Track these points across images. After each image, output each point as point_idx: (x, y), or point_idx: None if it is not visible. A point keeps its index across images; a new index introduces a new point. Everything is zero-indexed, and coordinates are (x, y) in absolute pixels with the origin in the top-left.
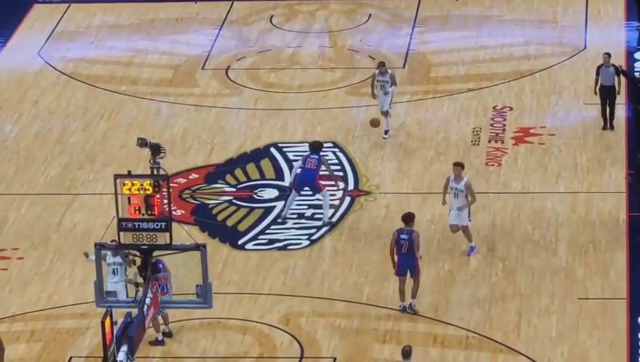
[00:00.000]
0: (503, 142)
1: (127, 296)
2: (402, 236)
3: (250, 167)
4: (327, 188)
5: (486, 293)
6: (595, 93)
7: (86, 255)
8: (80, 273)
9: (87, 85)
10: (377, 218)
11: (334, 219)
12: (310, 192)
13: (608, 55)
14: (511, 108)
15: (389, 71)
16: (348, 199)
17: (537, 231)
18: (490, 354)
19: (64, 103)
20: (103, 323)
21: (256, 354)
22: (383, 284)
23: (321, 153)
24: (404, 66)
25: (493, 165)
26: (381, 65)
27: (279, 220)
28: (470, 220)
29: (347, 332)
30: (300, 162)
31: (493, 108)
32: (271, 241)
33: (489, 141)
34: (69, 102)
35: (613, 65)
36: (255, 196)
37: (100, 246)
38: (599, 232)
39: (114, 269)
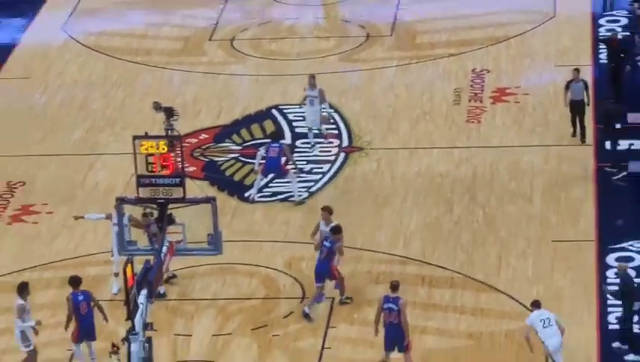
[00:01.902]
0: (481, 101)
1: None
2: (325, 244)
3: (254, 127)
4: (291, 170)
5: (469, 238)
6: (566, 106)
7: (75, 218)
8: (103, 226)
9: (106, 56)
10: (369, 172)
11: (331, 172)
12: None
13: (577, 71)
14: (488, 71)
15: (318, 86)
16: (342, 155)
17: (514, 181)
18: (473, 293)
19: (86, 73)
20: (124, 269)
21: (262, 295)
22: (375, 232)
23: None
24: (391, 34)
25: (473, 122)
26: (311, 77)
27: (249, 200)
28: None
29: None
30: (263, 151)
31: (472, 70)
32: (274, 194)
33: (469, 100)
34: (90, 72)
35: (582, 80)
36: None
37: (120, 201)
38: (570, 182)
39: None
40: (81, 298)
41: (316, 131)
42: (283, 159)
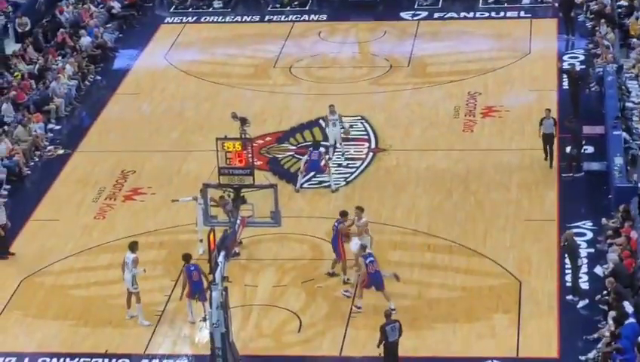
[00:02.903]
0: (474, 115)
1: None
2: (336, 224)
3: (306, 133)
4: (328, 168)
5: (463, 216)
6: (539, 138)
7: (172, 201)
8: (192, 203)
9: (196, 78)
10: (390, 166)
11: (362, 166)
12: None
13: (549, 110)
14: (480, 93)
15: (337, 112)
16: (371, 154)
17: (497, 175)
18: (465, 258)
19: (182, 90)
20: (208, 237)
21: (310, 257)
22: (394, 211)
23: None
24: (408, 65)
25: (467, 131)
26: (331, 106)
27: (295, 190)
28: None
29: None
30: (307, 155)
31: (468, 93)
32: (320, 182)
33: (465, 115)
34: (185, 90)
35: (552, 118)
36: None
37: (206, 186)
38: (539, 176)
39: (201, 208)
40: (193, 268)
41: (339, 146)
42: (322, 162)
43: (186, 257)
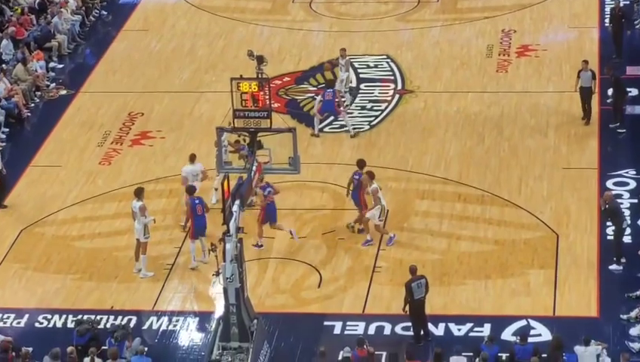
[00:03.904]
0: (509, 55)
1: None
2: (355, 176)
3: (327, 73)
4: (343, 111)
5: (496, 164)
6: (576, 92)
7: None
8: (205, 148)
9: (209, 13)
10: (418, 109)
11: (388, 109)
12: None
13: (586, 62)
14: (515, 31)
15: (347, 57)
16: (397, 96)
17: (533, 119)
18: (498, 208)
19: (193, 27)
20: (222, 184)
21: (332, 207)
22: (422, 157)
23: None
24: (438, 0)
25: (501, 72)
26: (342, 50)
27: (314, 135)
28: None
29: (396, 191)
30: (320, 96)
31: (502, 30)
32: (341, 126)
33: (499, 54)
34: (196, 26)
35: (591, 70)
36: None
37: (220, 129)
38: (578, 121)
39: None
40: (197, 201)
41: (347, 89)
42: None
43: (190, 189)
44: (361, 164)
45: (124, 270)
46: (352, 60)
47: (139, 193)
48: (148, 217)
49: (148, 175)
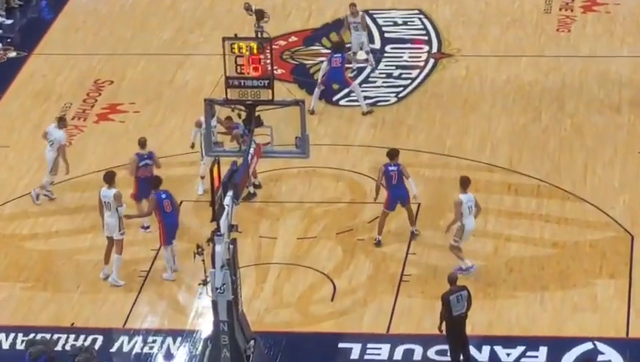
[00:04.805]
0: (572, 10)
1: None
2: (390, 168)
3: (344, 32)
4: (354, 81)
5: (556, 146)
6: None
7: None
8: (189, 125)
9: None
10: (458, 77)
11: (420, 78)
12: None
13: None
14: None
15: (360, 12)
16: (432, 61)
17: (602, 91)
18: (558, 201)
19: None
20: (211, 170)
21: (348, 199)
22: (463, 138)
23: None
24: None
25: (563, 31)
26: (352, 5)
27: (310, 112)
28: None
29: (430, 181)
30: (326, 62)
31: None
32: (363, 98)
33: (560, 9)
34: None
35: None
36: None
37: (209, 102)
38: None
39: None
40: (164, 196)
41: (366, 51)
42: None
43: (156, 181)
44: (393, 154)
45: (88, 278)
46: (374, 16)
47: (110, 178)
48: (123, 206)
49: (118, 158)
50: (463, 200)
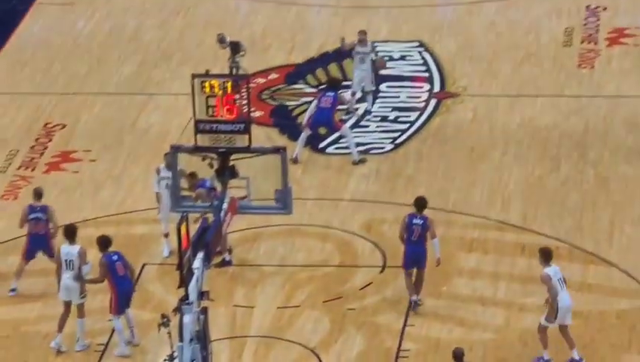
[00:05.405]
0: (596, 43)
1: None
2: (415, 221)
3: (332, 68)
4: (345, 125)
5: (577, 201)
6: None
7: None
8: (153, 175)
9: None
10: (464, 121)
11: (421, 121)
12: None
13: None
14: (605, 8)
15: (369, 42)
16: (434, 101)
17: (632, 136)
18: (580, 266)
19: None
20: (178, 228)
21: (337, 262)
22: (470, 191)
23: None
24: None
25: (585, 67)
26: (361, 32)
27: (293, 160)
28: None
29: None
30: (316, 101)
31: (587, 7)
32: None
33: (582, 42)
34: None
35: None
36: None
37: (175, 149)
38: None
39: (167, 184)
40: (115, 257)
41: (370, 89)
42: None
43: (104, 242)
44: (421, 204)
45: (37, 352)
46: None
47: (72, 234)
48: (89, 264)
49: (72, 215)
50: (551, 274)
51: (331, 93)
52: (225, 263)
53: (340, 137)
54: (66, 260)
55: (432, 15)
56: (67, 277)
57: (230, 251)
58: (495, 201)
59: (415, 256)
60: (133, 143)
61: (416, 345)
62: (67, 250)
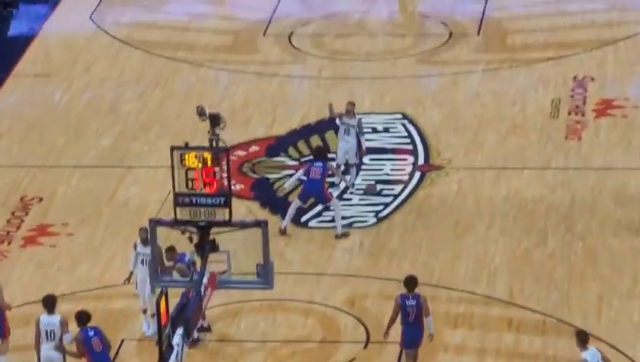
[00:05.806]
0: (583, 114)
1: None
2: (408, 302)
3: (315, 140)
4: (334, 196)
5: (564, 274)
6: None
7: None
8: (132, 250)
9: (141, 51)
10: (449, 194)
11: (404, 194)
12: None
13: None
14: (592, 79)
15: (357, 115)
16: (418, 174)
17: (620, 209)
18: (568, 340)
19: (117, 70)
20: (157, 303)
21: (319, 338)
22: (455, 264)
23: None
24: (478, 33)
25: (573, 139)
26: (350, 104)
27: (281, 231)
28: None
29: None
30: (303, 171)
31: (574, 78)
32: (334, 219)
33: (569, 113)
34: (122, 69)
35: None
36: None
37: (155, 223)
38: None
39: (142, 260)
40: (92, 333)
41: (353, 162)
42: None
43: (82, 317)
44: (412, 283)
45: None
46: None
47: (52, 304)
48: (70, 334)
49: (47, 290)
50: (589, 359)
51: (320, 164)
52: (194, 341)
53: (323, 211)
54: (46, 330)
55: (415, 86)
56: (47, 348)
57: (205, 328)
58: (481, 275)
59: (414, 337)
60: (111, 216)
61: None
62: (47, 320)
